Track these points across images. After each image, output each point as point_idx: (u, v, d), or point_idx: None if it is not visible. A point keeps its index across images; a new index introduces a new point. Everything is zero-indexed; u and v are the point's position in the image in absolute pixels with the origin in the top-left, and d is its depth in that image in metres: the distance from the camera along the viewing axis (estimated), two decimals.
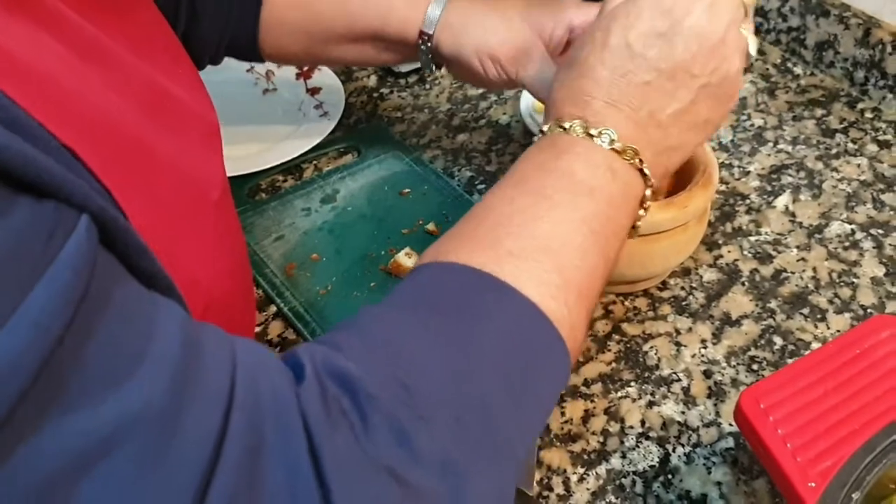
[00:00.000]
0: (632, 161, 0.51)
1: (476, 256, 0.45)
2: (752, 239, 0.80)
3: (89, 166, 0.35)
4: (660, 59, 0.52)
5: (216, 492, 0.33)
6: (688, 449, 0.64)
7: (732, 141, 0.92)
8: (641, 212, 0.54)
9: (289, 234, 0.81)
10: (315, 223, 0.82)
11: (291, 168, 0.89)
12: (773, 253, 0.79)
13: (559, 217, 0.48)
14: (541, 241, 0.46)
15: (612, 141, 0.50)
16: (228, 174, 0.84)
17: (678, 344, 0.71)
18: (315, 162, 0.91)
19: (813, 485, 0.48)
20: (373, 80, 1.03)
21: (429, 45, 0.74)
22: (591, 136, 0.50)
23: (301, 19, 0.74)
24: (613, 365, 0.70)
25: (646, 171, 0.51)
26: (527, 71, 0.72)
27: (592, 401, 0.67)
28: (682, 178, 0.73)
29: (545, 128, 0.53)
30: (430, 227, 0.81)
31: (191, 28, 0.71)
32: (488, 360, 0.42)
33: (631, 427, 0.66)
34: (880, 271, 0.77)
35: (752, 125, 0.94)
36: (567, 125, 0.51)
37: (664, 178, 0.55)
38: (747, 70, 0.55)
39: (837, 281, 0.76)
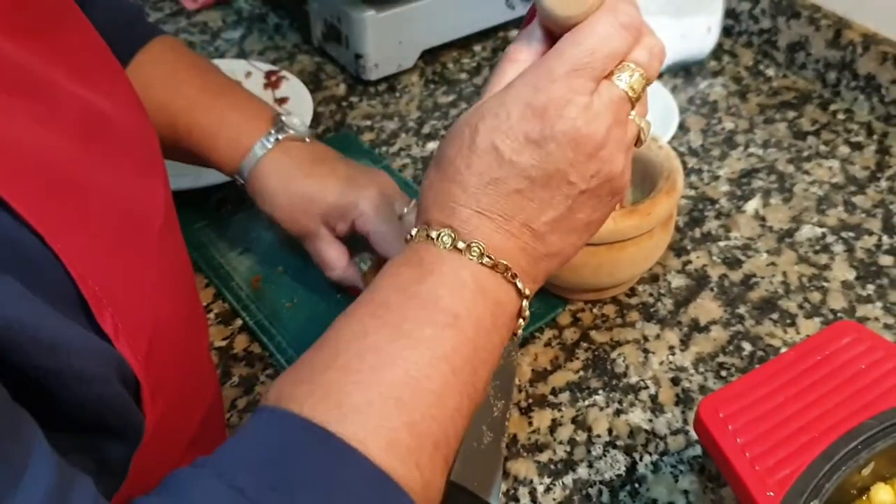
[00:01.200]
0: (504, 275, 0.46)
1: (319, 407, 0.41)
2: (722, 244, 0.80)
3: (14, 208, 0.34)
4: (531, 167, 0.46)
5: None
6: (655, 457, 0.63)
7: (702, 145, 0.91)
8: (520, 321, 0.49)
9: (254, 246, 0.81)
10: (281, 235, 0.81)
11: None
12: (743, 258, 0.78)
13: (416, 358, 0.43)
14: (392, 392, 0.42)
15: (481, 254, 0.45)
16: (195, 186, 0.84)
17: (646, 351, 0.71)
18: None
19: (772, 494, 0.47)
20: (342, 89, 1.02)
21: (243, 182, 0.74)
22: (459, 249, 0.46)
23: None
24: (581, 373, 0.69)
25: (519, 285, 0.47)
26: (310, 245, 0.73)
27: (560, 410, 0.67)
28: (645, 186, 0.73)
29: (413, 232, 0.48)
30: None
31: None
32: None
33: (598, 436, 0.65)
34: (851, 275, 0.76)
35: (723, 129, 0.94)
36: (434, 234, 0.46)
37: (541, 283, 0.50)
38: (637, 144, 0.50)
39: (808, 285, 0.76)
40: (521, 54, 0.50)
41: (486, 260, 0.45)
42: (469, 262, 0.45)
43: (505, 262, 0.46)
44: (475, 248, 0.45)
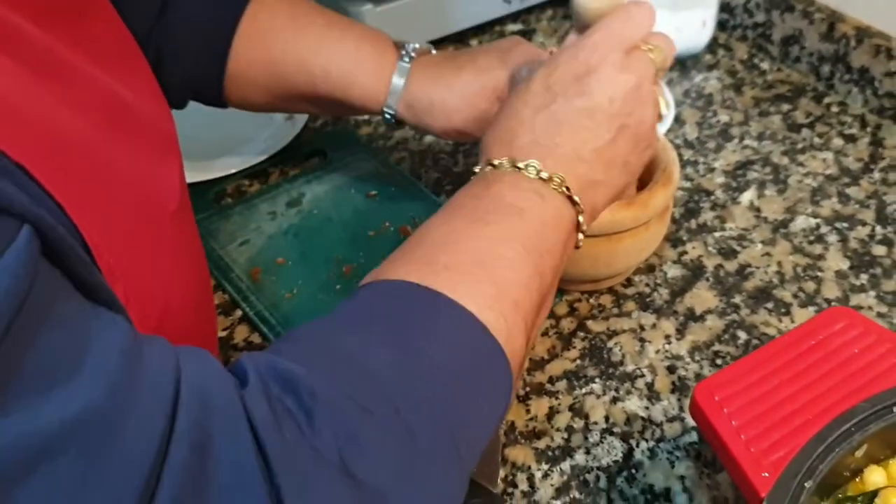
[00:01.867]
0: (559, 189, 0.53)
1: (414, 273, 0.46)
2: (717, 235, 0.81)
3: (41, 182, 0.35)
4: (579, 98, 0.55)
5: (164, 492, 0.33)
6: (651, 444, 0.64)
7: (698, 138, 0.92)
8: (580, 236, 0.56)
9: (254, 238, 0.81)
10: (281, 227, 0.82)
11: (257, 172, 0.89)
12: (738, 248, 0.79)
13: (490, 234, 0.50)
14: (474, 256, 0.48)
15: (538, 171, 0.53)
16: (194, 179, 0.85)
17: (642, 340, 0.71)
18: (281, 166, 0.91)
19: (766, 475, 0.48)
20: None
21: (392, 114, 0.74)
22: (519, 168, 0.53)
23: (265, 77, 0.74)
24: (578, 362, 0.70)
25: (574, 198, 0.54)
26: None
27: (557, 398, 0.67)
28: (642, 177, 0.74)
29: (477, 168, 0.56)
30: (401, 228, 0.81)
31: (155, 73, 0.71)
32: (429, 363, 0.43)
33: (595, 423, 0.66)
34: (845, 265, 0.77)
35: (718, 121, 0.94)
36: (496, 162, 0.54)
37: (593, 213, 0.57)
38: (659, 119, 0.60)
39: (802, 275, 0.76)
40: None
41: (543, 174, 0.53)
42: (526, 175, 0.53)
43: (560, 175, 0.53)
44: (531, 167, 0.53)
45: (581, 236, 0.56)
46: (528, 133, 0.55)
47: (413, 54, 0.73)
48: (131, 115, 0.48)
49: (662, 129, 0.88)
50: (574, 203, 0.54)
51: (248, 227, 0.82)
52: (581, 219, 0.55)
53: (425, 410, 0.41)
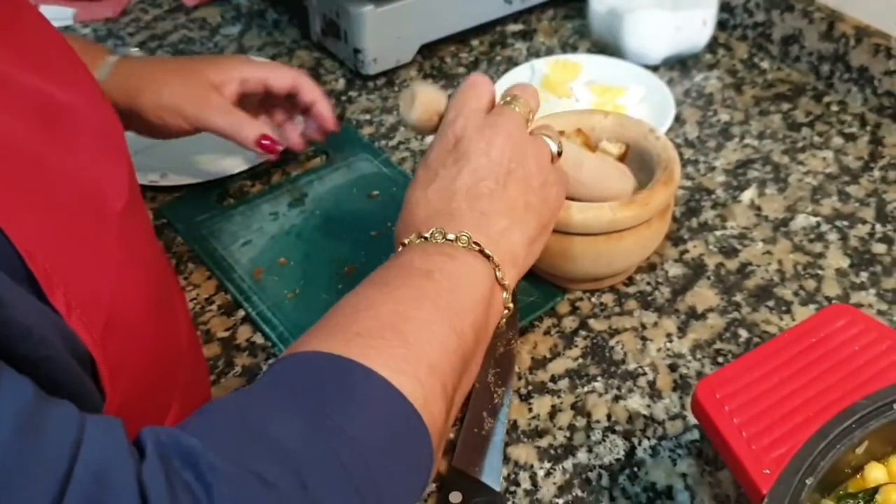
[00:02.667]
0: (467, 246, 0.54)
1: (325, 343, 0.46)
2: (718, 233, 0.81)
3: None
4: (458, 164, 0.58)
5: None
6: (653, 442, 0.64)
7: (698, 137, 0.92)
8: (504, 294, 0.56)
9: (256, 238, 0.82)
10: (283, 227, 0.82)
11: (260, 173, 0.90)
12: (739, 247, 0.79)
13: (400, 297, 0.50)
14: (384, 321, 0.48)
15: (443, 235, 0.54)
16: (197, 180, 0.85)
17: (644, 338, 0.72)
18: (283, 167, 0.91)
19: (768, 472, 0.48)
20: (341, 84, 1.03)
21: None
22: (426, 238, 0.55)
23: None
24: (580, 360, 0.70)
25: (486, 251, 0.54)
26: (210, 117, 0.77)
27: (559, 396, 0.68)
28: (643, 176, 0.74)
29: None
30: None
31: None
32: (342, 435, 0.42)
33: (597, 421, 0.66)
34: (845, 262, 0.77)
35: (719, 121, 0.95)
36: (406, 241, 0.56)
37: (515, 260, 0.57)
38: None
39: (802, 273, 0.77)
40: None
41: (449, 236, 0.54)
42: (434, 241, 0.54)
43: (465, 234, 0.54)
44: (437, 234, 0.54)
45: (506, 294, 0.56)
46: (426, 208, 0.57)
47: (117, 58, 0.77)
48: (69, 117, 0.47)
49: (663, 128, 0.89)
50: (487, 257, 0.54)
51: (250, 228, 0.83)
52: (499, 273, 0.55)
53: (335, 485, 0.40)
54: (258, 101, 0.84)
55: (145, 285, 0.50)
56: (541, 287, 0.75)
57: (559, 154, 0.62)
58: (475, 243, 0.54)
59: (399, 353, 0.46)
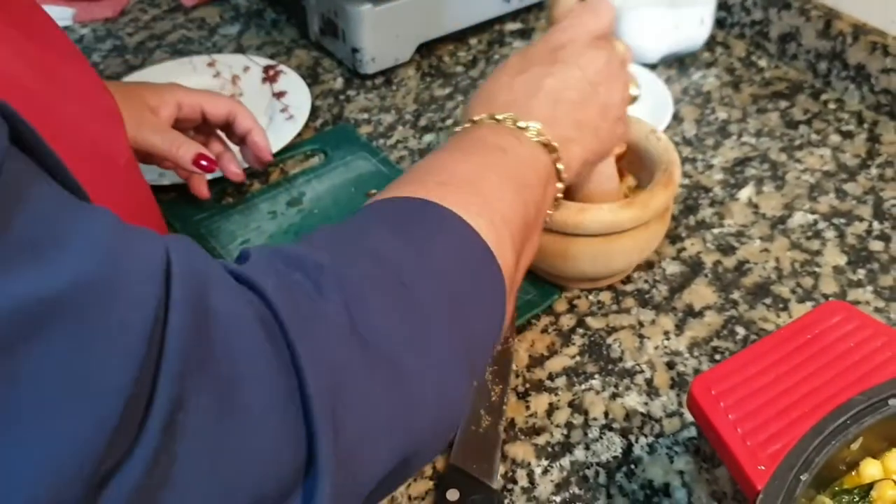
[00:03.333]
0: (535, 137, 0.57)
1: (409, 189, 0.49)
2: (716, 231, 0.81)
3: None
4: (553, 66, 0.61)
5: (168, 358, 0.32)
6: (650, 439, 0.64)
7: (696, 135, 0.93)
8: (560, 185, 0.59)
9: (255, 237, 0.82)
10: (281, 226, 0.83)
11: (257, 172, 0.90)
12: (736, 244, 0.80)
13: (476, 162, 0.53)
14: (462, 176, 0.51)
15: (514, 121, 0.57)
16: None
17: (641, 336, 0.72)
18: (281, 165, 0.91)
19: (763, 468, 0.48)
20: (339, 83, 1.03)
21: None
22: (497, 120, 0.57)
23: None
24: (577, 358, 0.70)
25: (553, 143, 0.57)
26: (147, 135, 0.76)
27: (556, 394, 0.68)
28: (643, 176, 0.74)
29: (458, 129, 0.59)
30: None
31: None
32: (431, 254, 0.45)
33: (594, 419, 0.66)
34: (842, 260, 0.78)
35: (717, 119, 0.95)
36: (476, 118, 0.58)
37: (568, 169, 0.59)
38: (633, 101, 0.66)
39: (800, 270, 0.77)
40: None
41: (520, 124, 0.56)
42: (504, 125, 0.57)
43: (536, 126, 0.57)
44: (509, 119, 0.57)
45: (560, 186, 0.59)
46: (507, 94, 0.59)
47: None
48: (70, 82, 0.48)
49: (661, 126, 0.89)
50: (551, 150, 0.57)
51: (248, 227, 0.83)
52: (560, 166, 0.58)
53: (432, 289, 0.43)
54: (194, 130, 0.84)
55: None
56: (538, 285, 0.75)
57: (634, 100, 0.66)
58: (540, 133, 0.57)
59: (475, 201, 0.49)
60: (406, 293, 0.42)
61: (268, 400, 0.35)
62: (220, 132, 0.86)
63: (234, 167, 0.83)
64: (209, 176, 0.86)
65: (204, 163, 0.78)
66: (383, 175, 0.88)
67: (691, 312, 0.74)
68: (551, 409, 0.67)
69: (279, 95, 0.97)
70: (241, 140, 0.85)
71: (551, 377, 0.69)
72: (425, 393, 0.41)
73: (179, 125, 0.81)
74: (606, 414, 0.66)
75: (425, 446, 0.42)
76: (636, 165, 0.75)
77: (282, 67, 1.02)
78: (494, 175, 0.52)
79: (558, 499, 0.61)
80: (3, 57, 0.40)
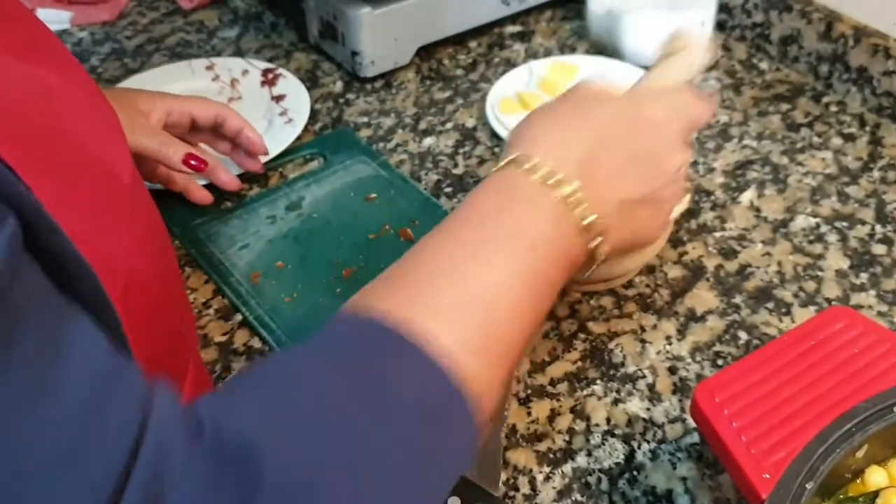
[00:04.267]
0: (581, 214, 0.51)
1: (397, 309, 0.44)
2: (717, 235, 0.81)
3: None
4: (617, 132, 0.55)
5: None
6: (653, 445, 0.64)
7: (697, 138, 0.92)
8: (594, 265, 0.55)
9: (253, 242, 0.81)
10: (280, 231, 0.82)
11: (257, 176, 0.89)
12: (738, 248, 0.79)
13: (499, 267, 0.47)
14: (469, 295, 0.46)
15: (561, 189, 0.50)
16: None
17: (643, 341, 0.71)
18: (280, 169, 0.91)
19: (767, 476, 0.48)
20: (339, 86, 1.03)
21: None
22: (538, 175, 0.51)
23: None
24: (579, 364, 0.70)
25: (597, 225, 0.52)
26: (139, 139, 0.77)
27: (558, 400, 0.67)
28: None
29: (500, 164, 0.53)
30: (401, 231, 0.81)
31: None
32: (387, 419, 0.41)
33: (596, 425, 0.66)
34: (845, 264, 0.77)
35: (718, 122, 0.94)
36: (526, 165, 0.51)
37: (610, 245, 0.55)
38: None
39: (802, 274, 0.76)
40: None
41: (570, 197, 0.50)
42: (549, 194, 0.50)
43: (587, 209, 0.50)
44: (556, 181, 0.50)
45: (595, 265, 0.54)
46: (576, 147, 0.53)
47: None
48: (69, 99, 0.47)
49: None
50: (592, 234, 0.52)
51: (247, 232, 0.82)
52: (595, 243, 0.53)
53: (380, 476, 0.40)
54: (181, 139, 0.83)
55: (160, 256, 0.51)
56: None
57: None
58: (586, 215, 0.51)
59: (475, 340, 0.44)
60: (358, 489, 0.39)
61: None
62: (204, 146, 0.86)
63: (224, 175, 0.84)
64: (203, 181, 0.86)
65: (193, 162, 0.79)
66: (383, 179, 0.88)
67: (693, 317, 0.73)
68: (553, 415, 0.66)
69: (278, 99, 0.97)
70: (234, 141, 0.85)
71: (553, 383, 0.69)
72: None
73: (168, 131, 0.81)
74: (608, 420, 0.66)
75: None
76: None
77: (281, 71, 1.02)
78: (513, 290, 0.47)
79: None
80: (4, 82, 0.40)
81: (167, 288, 0.53)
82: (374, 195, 0.86)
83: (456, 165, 0.91)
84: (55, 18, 1.16)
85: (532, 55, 1.07)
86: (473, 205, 0.51)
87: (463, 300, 0.45)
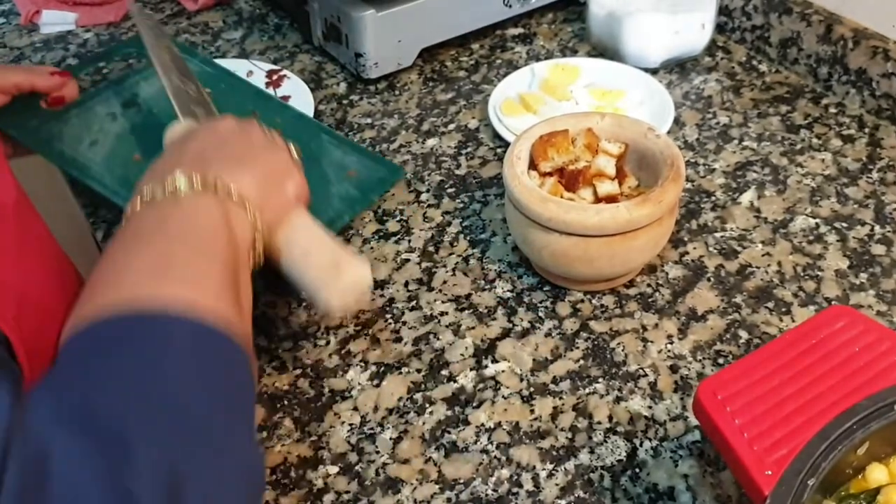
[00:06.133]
0: (182, 190, 0.56)
1: (115, 301, 0.47)
2: (718, 235, 0.81)
3: None
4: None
5: None
6: (655, 443, 0.65)
7: (698, 139, 0.93)
8: (250, 216, 0.58)
9: (103, 138, 0.82)
10: (125, 127, 0.84)
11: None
12: (739, 248, 0.80)
13: (157, 250, 0.52)
14: (155, 269, 0.51)
15: (164, 184, 0.56)
16: None
17: (645, 340, 0.72)
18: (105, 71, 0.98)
19: (769, 473, 0.48)
20: (342, 87, 1.04)
21: None
22: (153, 191, 0.56)
23: None
24: (581, 362, 0.71)
25: (208, 179, 0.57)
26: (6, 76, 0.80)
27: (561, 398, 0.68)
28: (644, 175, 0.75)
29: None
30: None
31: None
32: (165, 371, 0.45)
33: (599, 423, 0.66)
34: (844, 264, 0.78)
35: (718, 123, 0.95)
36: (137, 196, 0.57)
37: (249, 189, 0.59)
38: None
39: (802, 274, 0.77)
40: None
41: (168, 183, 0.56)
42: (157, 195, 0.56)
43: (181, 176, 0.56)
44: (158, 186, 0.56)
45: (251, 219, 0.58)
46: (160, 164, 0.60)
47: None
48: None
49: (662, 130, 0.89)
50: (212, 190, 0.57)
51: (91, 129, 0.84)
52: (234, 197, 0.57)
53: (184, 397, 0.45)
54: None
55: (57, 275, 0.53)
56: (384, 163, 0.82)
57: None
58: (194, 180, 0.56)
59: (183, 291, 0.49)
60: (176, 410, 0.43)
61: None
62: None
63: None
64: None
65: (57, 74, 0.83)
66: (208, 74, 0.91)
67: (694, 316, 0.74)
68: (556, 413, 0.67)
69: (283, 100, 0.98)
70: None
71: (555, 381, 0.70)
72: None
73: None
74: (611, 417, 0.67)
75: None
76: (635, 164, 0.76)
77: (285, 72, 1.02)
78: (170, 246, 0.52)
79: (563, 502, 0.61)
80: None
81: (66, 298, 0.54)
82: (207, 90, 0.83)
83: (459, 166, 0.91)
84: (60, 20, 1.16)
85: (534, 57, 1.08)
86: (145, 223, 0.56)
87: (155, 274, 0.50)
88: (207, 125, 0.65)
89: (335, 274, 0.62)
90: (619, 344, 0.72)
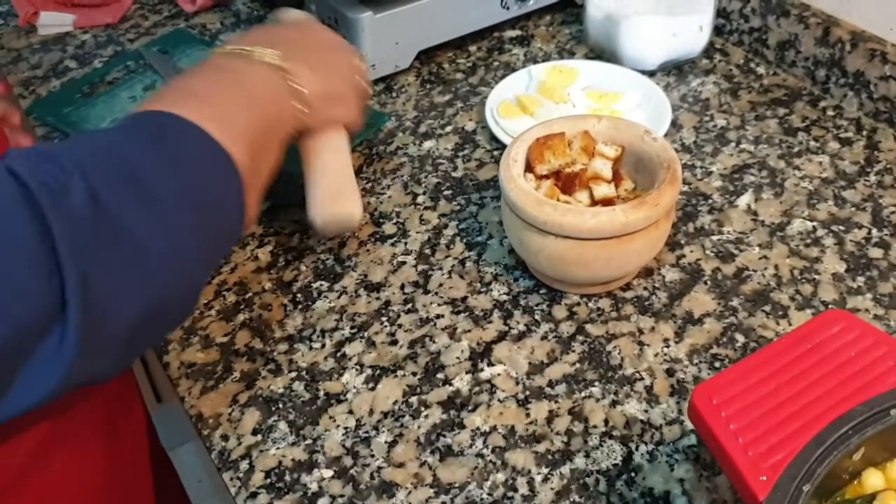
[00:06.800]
0: (268, 59, 0.66)
1: (154, 106, 0.56)
2: (715, 238, 0.81)
3: None
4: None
5: None
6: (651, 447, 0.65)
7: (695, 142, 0.93)
8: (300, 105, 0.67)
9: (122, 117, 0.87)
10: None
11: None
12: (736, 252, 0.80)
13: (212, 80, 0.63)
14: (198, 92, 0.60)
15: (251, 52, 0.66)
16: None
17: (641, 343, 0.72)
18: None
19: (765, 478, 0.48)
20: None
21: None
22: (237, 52, 0.67)
23: None
24: (577, 366, 0.71)
25: (283, 65, 0.66)
26: None
27: (556, 401, 0.68)
28: (640, 177, 0.75)
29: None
30: None
31: None
32: (166, 154, 0.53)
33: (594, 426, 0.66)
34: (841, 267, 0.78)
35: (715, 126, 0.95)
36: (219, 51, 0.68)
37: (313, 86, 0.68)
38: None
39: (799, 278, 0.77)
40: None
41: (256, 53, 0.66)
42: (241, 54, 0.67)
43: (268, 51, 0.66)
44: (245, 51, 0.66)
45: (300, 107, 0.67)
46: (250, 38, 0.69)
47: None
48: None
49: (660, 132, 0.89)
50: (283, 72, 0.66)
51: (114, 110, 0.97)
52: (296, 87, 0.67)
53: (172, 184, 0.51)
54: None
55: None
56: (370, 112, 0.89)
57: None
58: (274, 60, 0.66)
59: (208, 111, 0.57)
60: (144, 186, 0.49)
61: (23, 244, 0.43)
62: None
63: None
64: None
65: None
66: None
67: (691, 320, 0.74)
68: (551, 417, 0.67)
69: None
70: None
71: (551, 384, 0.69)
72: (164, 265, 0.49)
73: None
74: (606, 421, 0.66)
75: (171, 304, 0.51)
76: (631, 167, 0.76)
77: None
78: (226, 90, 0.62)
79: None
80: None
81: None
82: None
83: (455, 168, 0.91)
84: (58, 21, 1.16)
85: (531, 59, 1.08)
86: (216, 65, 0.66)
87: (194, 95, 0.59)
88: (317, 28, 0.76)
89: (332, 202, 0.72)
90: (615, 347, 0.72)
